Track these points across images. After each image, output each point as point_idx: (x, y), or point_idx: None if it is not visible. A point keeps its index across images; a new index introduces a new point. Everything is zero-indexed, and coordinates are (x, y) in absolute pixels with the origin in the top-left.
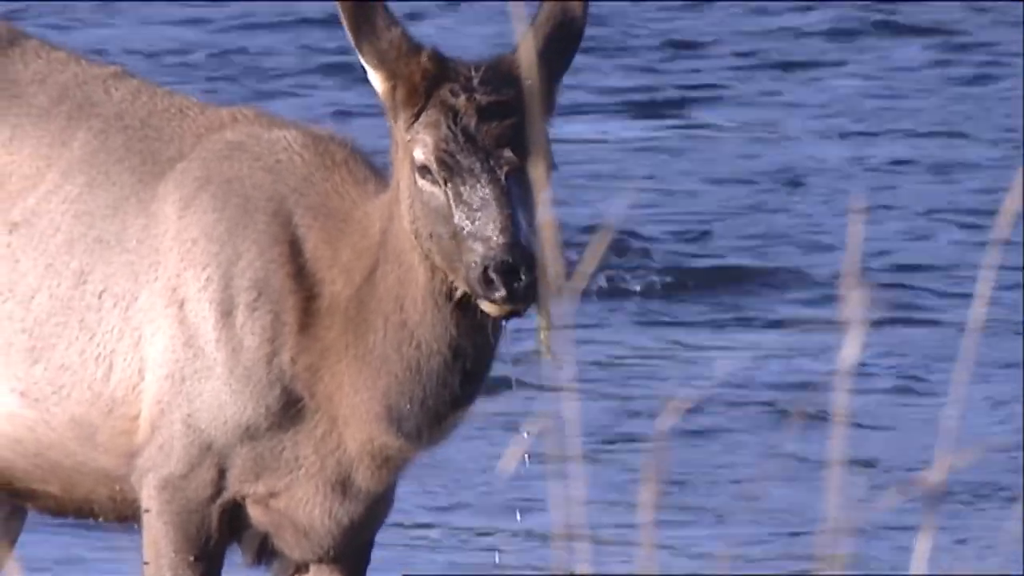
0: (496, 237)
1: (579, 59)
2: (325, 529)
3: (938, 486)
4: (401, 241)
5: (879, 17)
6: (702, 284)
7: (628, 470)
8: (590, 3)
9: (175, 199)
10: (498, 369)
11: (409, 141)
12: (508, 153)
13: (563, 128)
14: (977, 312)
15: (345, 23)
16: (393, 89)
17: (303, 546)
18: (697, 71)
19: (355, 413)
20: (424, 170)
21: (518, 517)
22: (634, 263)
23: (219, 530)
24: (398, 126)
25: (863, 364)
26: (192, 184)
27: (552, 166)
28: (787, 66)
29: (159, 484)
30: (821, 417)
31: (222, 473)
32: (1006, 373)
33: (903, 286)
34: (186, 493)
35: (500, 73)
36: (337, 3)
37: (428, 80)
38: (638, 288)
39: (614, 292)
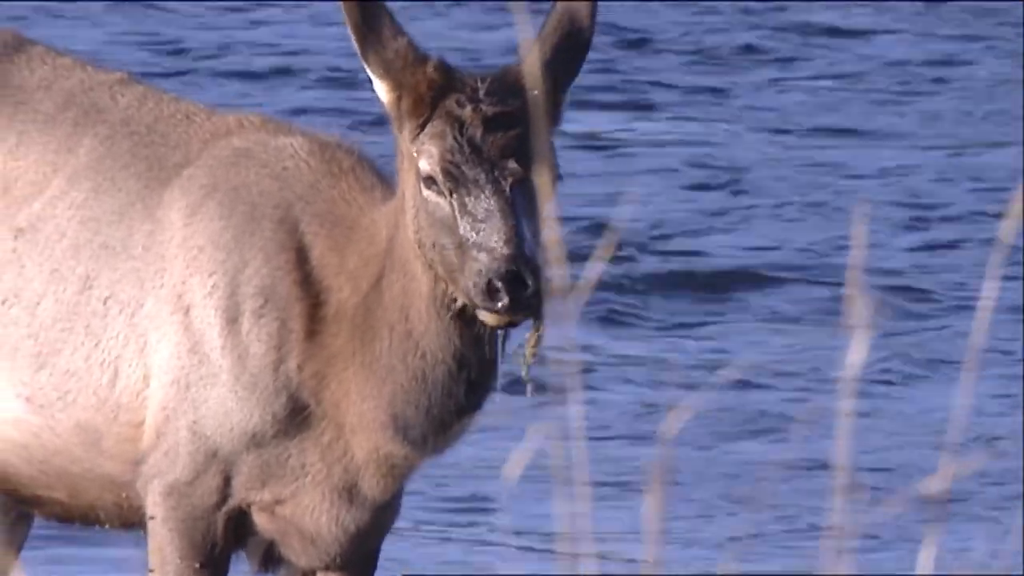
0: (500, 247)
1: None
2: (332, 536)
3: (942, 493)
4: (406, 251)
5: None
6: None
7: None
8: (597, 14)
9: (181, 206)
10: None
11: (415, 152)
12: (513, 164)
13: None
14: (980, 321)
15: (351, 32)
16: (399, 99)
17: (310, 553)
18: (646, 68)
19: (361, 421)
20: (429, 180)
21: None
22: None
23: (224, 537)
24: (403, 136)
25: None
26: (198, 191)
27: (558, 177)
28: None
29: (164, 491)
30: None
31: (228, 480)
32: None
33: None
34: (191, 500)
35: (506, 84)
36: (344, 12)
37: (434, 90)
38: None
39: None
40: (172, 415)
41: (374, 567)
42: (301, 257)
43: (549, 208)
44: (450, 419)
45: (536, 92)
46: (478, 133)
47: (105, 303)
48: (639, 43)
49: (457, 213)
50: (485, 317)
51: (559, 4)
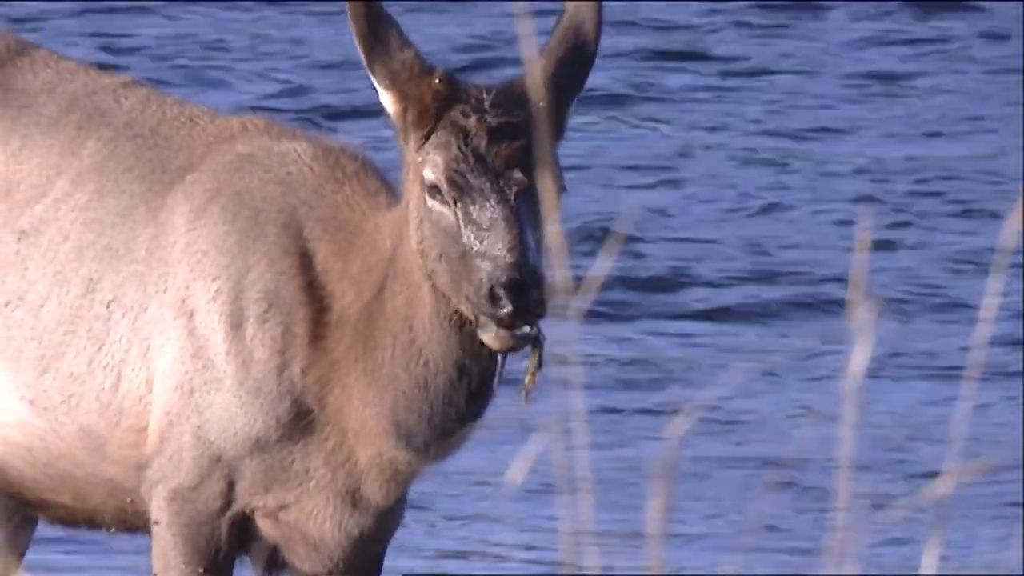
0: (504, 256)
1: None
2: (335, 542)
3: (946, 497)
4: (409, 262)
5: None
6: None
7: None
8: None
9: (185, 210)
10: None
11: (420, 162)
12: (518, 174)
13: None
14: (983, 328)
15: (358, 44)
16: (404, 110)
17: (313, 559)
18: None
19: (364, 427)
20: (434, 190)
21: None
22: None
23: (228, 542)
24: (409, 147)
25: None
26: (202, 196)
27: (562, 188)
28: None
29: (169, 496)
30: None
31: (231, 485)
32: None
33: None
34: (195, 505)
35: (511, 95)
36: (351, 24)
37: (439, 101)
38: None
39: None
40: (176, 420)
41: (378, 572)
42: (305, 262)
43: (553, 219)
44: (451, 427)
45: (542, 104)
46: (483, 143)
47: (108, 306)
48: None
49: (461, 222)
50: (487, 339)
51: (565, 17)
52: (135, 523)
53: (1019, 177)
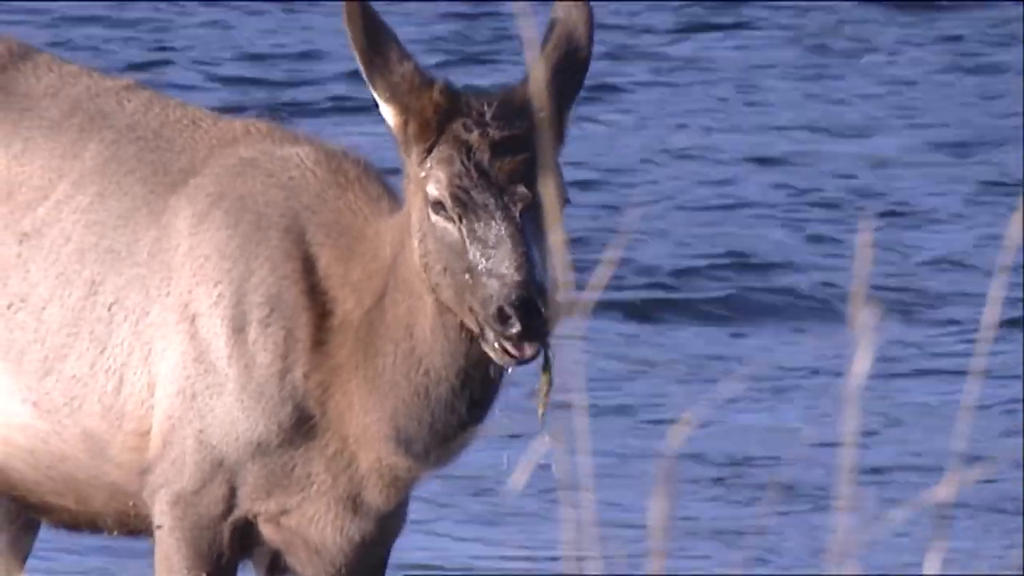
0: (512, 274)
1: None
2: (337, 547)
3: (947, 502)
4: (410, 271)
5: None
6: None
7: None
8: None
9: (188, 214)
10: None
11: (422, 176)
12: (522, 189)
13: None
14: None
15: (357, 57)
16: (405, 123)
17: (315, 564)
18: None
19: (365, 433)
20: (438, 206)
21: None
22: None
23: (231, 547)
24: (411, 160)
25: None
26: (205, 200)
27: (565, 200)
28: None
29: (171, 500)
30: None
31: (233, 490)
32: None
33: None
34: (198, 509)
35: (512, 106)
36: (349, 37)
37: (440, 114)
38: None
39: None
40: (178, 424)
41: None
42: (307, 267)
43: (557, 230)
44: (452, 433)
45: (543, 114)
46: (485, 158)
47: (110, 309)
48: None
49: (467, 239)
50: (493, 354)
51: (556, 22)
52: (137, 526)
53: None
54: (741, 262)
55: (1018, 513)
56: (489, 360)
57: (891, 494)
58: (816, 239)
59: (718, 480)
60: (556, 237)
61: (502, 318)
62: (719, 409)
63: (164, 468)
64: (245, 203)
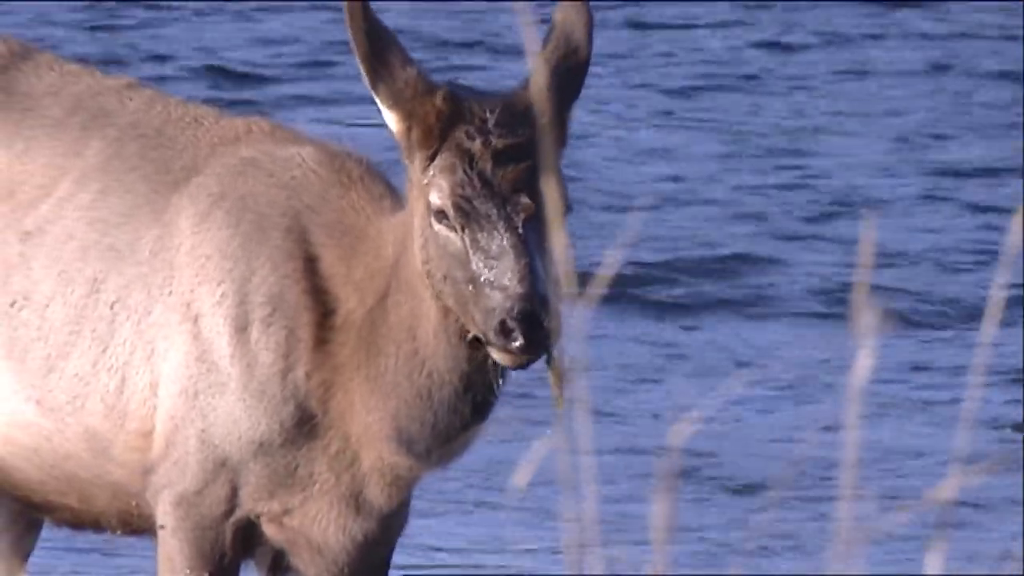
0: (514, 286)
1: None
2: (340, 546)
3: (949, 503)
4: (413, 276)
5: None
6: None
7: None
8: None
9: (190, 214)
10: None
11: (425, 184)
12: (525, 199)
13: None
14: (987, 332)
15: (360, 63)
16: (408, 130)
17: (318, 563)
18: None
19: (366, 432)
20: (440, 214)
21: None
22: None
23: (233, 547)
24: (414, 166)
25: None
26: (207, 200)
27: (568, 207)
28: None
29: (174, 500)
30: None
31: (236, 490)
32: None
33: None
34: (200, 510)
35: (515, 112)
36: (352, 43)
37: (443, 121)
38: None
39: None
40: (181, 424)
41: None
42: (309, 266)
43: (560, 239)
44: (455, 433)
45: (545, 119)
46: (488, 167)
47: (112, 308)
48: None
49: (469, 249)
50: (499, 357)
51: (555, 24)
52: (140, 526)
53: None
54: (699, 260)
55: (1019, 513)
56: (492, 362)
57: (894, 494)
58: (787, 236)
59: (720, 480)
60: (559, 244)
61: (505, 331)
62: (721, 408)
63: (167, 468)
64: (247, 203)
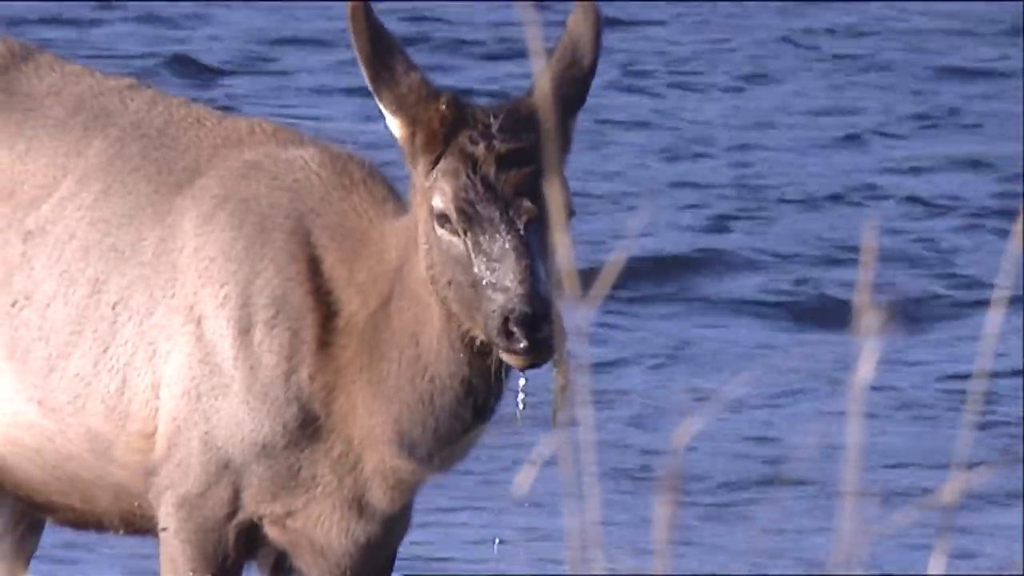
0: (516, 288)
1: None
2: (342, 548)
3: (952, 504)
4: (416, 280)
5: None
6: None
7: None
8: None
9: (193, 215)
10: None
11: (428, 188)
12: (527, 203)
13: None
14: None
15: (363, 69)
16: (412, 135)
17: (321, 565)
18: None
19: (369, 435)
20: (443, 218)
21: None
22: None
23: (236, 549)
24: (417, 171)
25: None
26: (210, 202)
27: (571, 212)
28: None
29: (177, 502)
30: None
31: (238, 492)
32: None
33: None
34: (203, 512)
35: (518, 118)
36: (355, 48)
37: (446, 126)
38: None
39: None
40: (183, 426)
41: None
42: (312, 268)
43: (563, 242)
44: (457, 437)
45: (549, 126)
46: (492, 171)
47: (114, 308)
48: None
49: (471, 252)
50: (508, 359)
51: (565, 31)
52: (143, 526)
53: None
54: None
55: (1019, 514)
56: (494, 367)
57: (896, 494)
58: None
59: (721, 479)
60: (562, 247)
61: (507, 333)
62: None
63: (169, 470)
64: (249, 205)
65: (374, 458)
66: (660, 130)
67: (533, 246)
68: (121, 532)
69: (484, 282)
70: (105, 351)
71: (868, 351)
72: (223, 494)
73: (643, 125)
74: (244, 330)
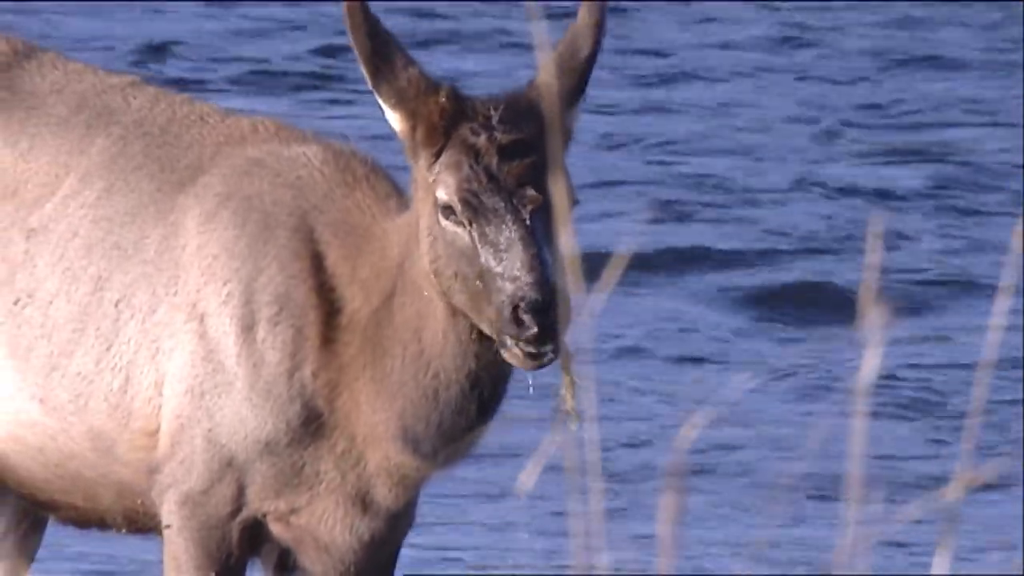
0: (524, 276)
1: None
2: (346, 545)
3: (956, 502)
4: (419, 274)
5: None
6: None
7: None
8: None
9: (196, 213)
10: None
11: (431, 181)
12: (531, 191)
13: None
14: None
15: (362, 64)
16: (413, 129)
17: (324, 562)
18: None
19: (372, 432)
20: (448, 210)
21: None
22: None
23: (240, 546)
24: (419, 165)
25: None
26: (213, 199)
27: (575, 201)
28: None
29: (180, 500)
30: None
31: (242, 489)
32: None
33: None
34: (207, 509)
35: (518, 110)
36: (354, 45)
37: (447, 119)
38: None
39: None
40: (187, 423)
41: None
42: (315, 265)
43: (567, 231)
44: (461, 434)
45: (551, 116)
46: (494, 162)
47: (116, 306)
48: None
49: (477, 243)
50: (511, 358)
51: (570, 26)
52: (146, 524)
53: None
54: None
55: (1018, 514)
56: (500, 362)
57: (899, 495)
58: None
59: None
60: (566, 237)
61: (517, 321)
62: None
63: (172, 467)
64: (253, 203)
65: (378, 455)
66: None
67: (539, 234)
68: (124, 530)
69: (491, 272)
70: (108, 349)
71: (872, 349)
72: (227, 491)
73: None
74: (247, 327)
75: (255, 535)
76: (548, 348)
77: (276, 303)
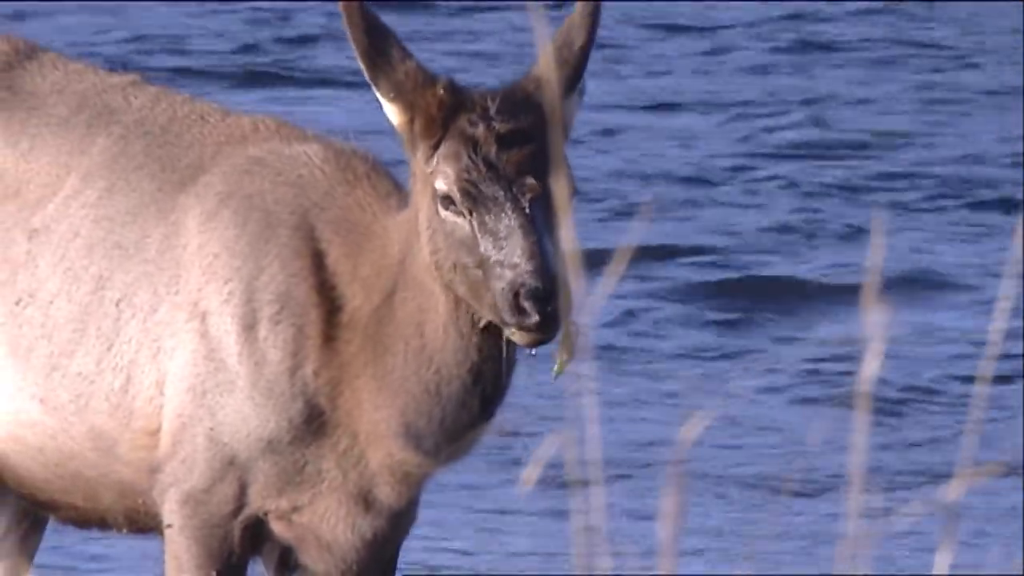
0: (525, 264)
1: None
2: (349, 543)
3: (956, 502)
4: (420, 271)
5: None
6: None
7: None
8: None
9: (197, 213)
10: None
11: (430, 173)
12: (530, 180)
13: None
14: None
15: (359, 57)
16: (411, 121)
17: (327, 560)
18: None
19: (375, 429)
20: (447, 201)
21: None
22: None
23: (241, 545)
24: (417, 158)
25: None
26: (214, 199)
27: (575, 190)
28: None
29: (181, 499)
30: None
31: (244, 488)
32: None
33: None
34: (208, 508)
35: (516, 100)
36: (351, 39)
37: (445, 111)
38: None
39: None
40: (189, 422)
41: (392, 574)
42: (317, 263)
43: (567, 220)
44: (463, 430)
45: (549, 106)
46: (492, 151)
47: (117, 305)
48: None
49: (477, 232)
50: (516, 338)
51: (566, 18)
52: (146, 524)
53: None
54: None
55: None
56: (501, 355)
57: (899, 495)
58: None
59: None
60: (566, 226)
61: (519, 309)
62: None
63: (174, 467)
64: (253, 201)
65: (380, 453)
66: None
67: (538, 222)
68: (125, 530)
69: (492, 261)
70: (109, 348)
71: (874, 347)
72: (228, 490)
73: None
74: (249, 326)
75: (257, 534)
76: (550, 336)
77: (277, 302)
